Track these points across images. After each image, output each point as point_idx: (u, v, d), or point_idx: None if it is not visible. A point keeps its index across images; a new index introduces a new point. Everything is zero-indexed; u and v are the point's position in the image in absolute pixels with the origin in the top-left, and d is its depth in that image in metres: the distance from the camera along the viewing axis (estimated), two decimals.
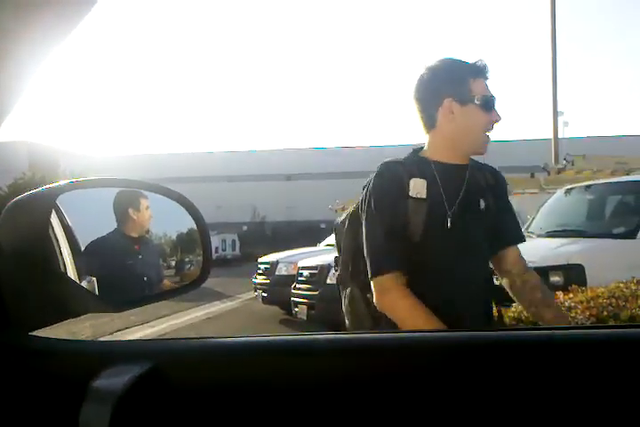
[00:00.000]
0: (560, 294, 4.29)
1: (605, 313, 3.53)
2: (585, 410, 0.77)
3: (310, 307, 7.74)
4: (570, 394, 0.78)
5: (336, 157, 36.91)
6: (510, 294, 2.10)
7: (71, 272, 1.06)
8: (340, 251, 2.13)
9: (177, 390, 0.83)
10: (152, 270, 1.31)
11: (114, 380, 0.78)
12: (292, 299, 8.23)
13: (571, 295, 4.18)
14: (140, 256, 1.27)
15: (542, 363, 0.79)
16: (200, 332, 9.08)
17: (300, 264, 8.60)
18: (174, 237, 1.36)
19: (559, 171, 11.06)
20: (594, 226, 6.69)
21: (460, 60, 1.92)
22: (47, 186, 1.03)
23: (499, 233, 1.99)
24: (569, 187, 7.55)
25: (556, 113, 16.87)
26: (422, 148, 1.99)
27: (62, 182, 1.06)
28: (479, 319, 1.95)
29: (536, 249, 6.19)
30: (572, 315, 3.57)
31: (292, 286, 8.32)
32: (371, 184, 1.90)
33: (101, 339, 7.90)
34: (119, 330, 8.38)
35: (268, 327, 9.15)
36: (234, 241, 30.66)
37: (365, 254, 1.86)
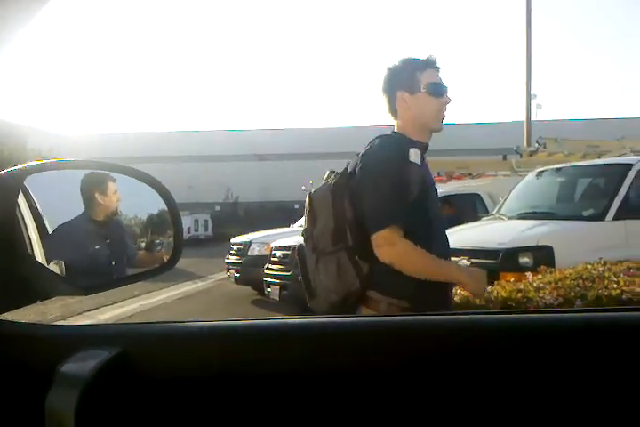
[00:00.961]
0: (529, 274, 4.36)
1: (573, 294, 3.59)
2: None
3: (283, 287, 7.79)
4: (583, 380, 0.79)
5: (309, 137, 36.79)
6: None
7: (39, 255, 1.05)
8: (312, 222, 2.24)
9: (144, 375, 0.82)
10: (120, 254, 1.29)
11: (81, 365, 0.77)
12: (265, 279, 8.26)
13: (539, 276, 4.25)
14: (107, 240, 1.25)
15: (552, 346, 0.79)
16: (171, 312, 9.05)
17: (273, 245, 8.61)
18: (144, 218, 1.35)
19: (531, 153, 11.13)
20: (564, 208, 6.78)
21: (412, 58, 2.23)
22: (14, 167, 1.01)
23: None
24: (540, 169, 7.62)
25: (529, 96, 16.99)
26: (395, 131, 2.27)
27: (30, 164, 1.03)
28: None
29: (507, 231, 6.27)
30: (541, 295, 3.63)
31: (265, 267, 8.33)
32: (371, 152, 2.16)
33: (70, 319, 7.85)
34: (90, 310, 8.31)
35: (239, 308, 9.17)
36: (206, 221, 30.51)
37: (368, 212, 2.07)
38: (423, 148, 2.20)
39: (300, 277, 2.36)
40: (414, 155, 2.09)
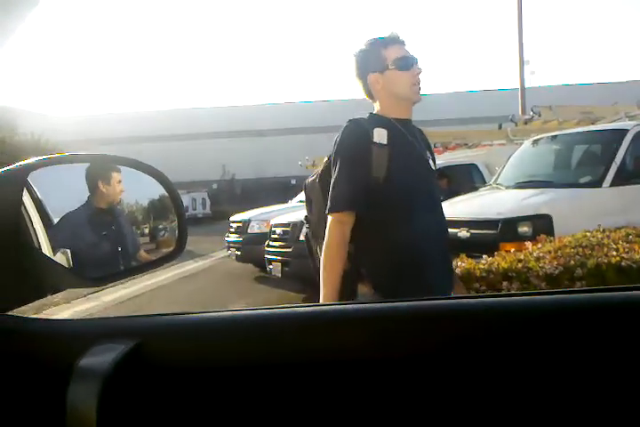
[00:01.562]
0: (529, 244, 4.38)
1: (573, 262, 3.61)
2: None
3: (284, 264, 7.80)
4: (554, 360, 0.80)
5: (306, 111, 36.52)
6: None
7: (45, 249, 1.06)
8: (310, 209, 2.36)
9: (163, 366, 0.83)
10: (127, 241, 1.31)
11: (99, 358, 0.79)
12: (266, 256, 8.27)
13: (539, 245, 4.27)
14: (112, 227, 1.26)
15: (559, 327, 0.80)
16: (175, 292, 9.11)
17: (273, 222, 8.62)
18: (146, 205, 1.36)
19: (526, 122, 11.07)
20: (561, 176, 6.77)
21: (374, 38, 2.24)
22: (18, 163, 1.01)
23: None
24: (536, 138, 7.60)
25: (522, 64, 16.84)
26: (371, 113, 2.29)
27: (33, 159, 1.04)
28: (442, 259, 2.26)
29: (504, 201, 6.28)
30: (541, 265, 3.66)
31: (266, 244, 8.34)
32: (339, 137, 2.18)
33: (75, 301, 7.90)
34: (94, 292, 8.36)
35: (243, 285, 9.22)
36: (204, 200, 30.49)
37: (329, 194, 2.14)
38: (404, 124, 2.23)
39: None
40: (378, 135, 2.13)
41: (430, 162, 2.28)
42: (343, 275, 2.15)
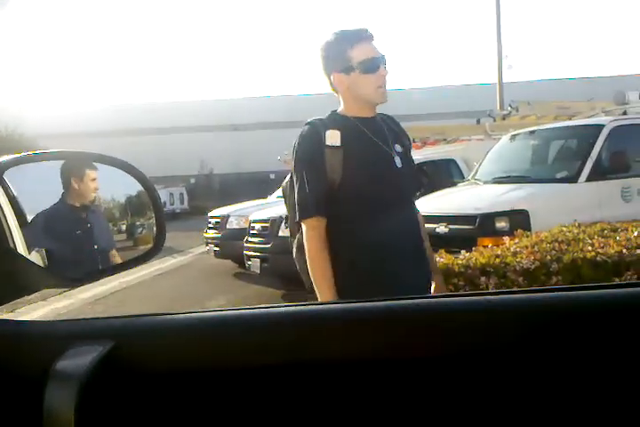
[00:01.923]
0: (506, 239, 4.42)
1: (549, 257, 3.65)
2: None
3: (263, 260, 7.73)
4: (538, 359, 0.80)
5: (284, 105, 36.39)
6: None
7: (21, 248, 1.04)
8: (287, 210, 2.37)
9: (141, 369, 0.82)
10: (103, 239, 1.29)
11: (76, 361, 0.77)
12: (245, 252, 8.21)
13: (516, 240, 4.31)
14: (88, 225, 1.25)
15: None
16: (153, 289, 9.04)
17: (252, 218, 8.57)
18: (123, 202, 1.35)
19: (504, 117, 11.16)
20: (538, 171, 6.84)
21: (339, 33, 2.17)
22: None
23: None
24: (514, 133, 7.66)
25: (500, 60, 16.96)
26: (336, 109, 2.26)
27: (8, 157, 1.02)
28: (412, 257, 2.20)
29: (482, 196, 6.33)
30: (518, 260, 3.69)
31: (245, 240, 8.30)
32: (296, 142, 2.18)
33: (51, 299, 7.81)
34: (70, 289, 8.27)
35: (222, 281, 9.18)
36: (182, 195, 30.32)
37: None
38: (366, 123, 2.19)
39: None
40: (331, 137, 2.11)
41: (397, 159, 2.19)
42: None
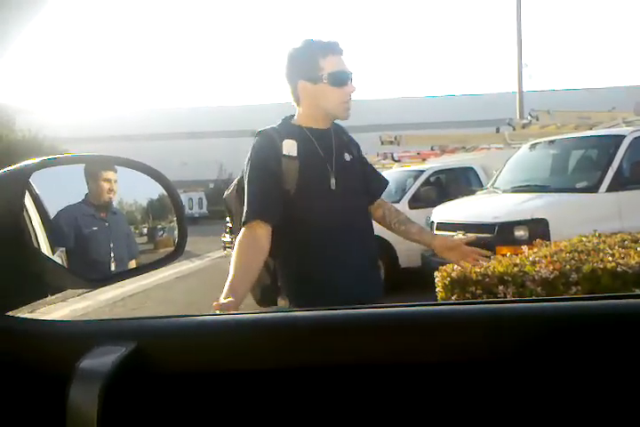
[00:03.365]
0: (525, 248, 4.39)
1: (568, 267, 3.62)
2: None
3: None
4: (547, 368, 0.80)
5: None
6: (385, 226, 2.42)
7: (45, 249, 1.06)
8: (232, 219, 2.35)
9: (163, 369, 0.84)
10: (120, 239, 1.30)
11: (100, 361, 0.79)
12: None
13: (535, 250, 4.28)
14: (106, 224, 1.26)
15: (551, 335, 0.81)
16: (171, 291, 9.10)
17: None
18: (145, 205, 1.37)
19: (524, 126, 11.11)
20: (557, 181, 6.80)
21: (311, 42, 2.10)
22: (20, 164, 1.01)
23: (369, 184, 2.31)
24: (533, 142, 7.62)
25: (520, 69, 16.88)
26: (293, 116, 2.22)
27: (35, 160, 1.04)
28: (365, 270, 2.17)
29: (501, 205, 6.30)
30: (537, 269, 3.66)
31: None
32: (251, 151, 2.13)
33: (71, 300, 7.89)
34: (90, 291, 8.35)
35: None
36: (200, 199, 30.47)
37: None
38: (320, 133, 2.15)
39: None
40: (287, 147, 2.07)
41: (332, 180, 2.11)
42: (264, 288, 2.18)
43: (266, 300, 2.26)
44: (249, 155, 2.12)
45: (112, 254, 1.28)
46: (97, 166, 1.23)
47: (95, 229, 1.24)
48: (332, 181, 2.11)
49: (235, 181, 2.31)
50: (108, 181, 1.22)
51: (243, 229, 2.01)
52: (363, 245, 2.17)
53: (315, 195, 2.08)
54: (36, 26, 0.76)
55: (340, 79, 2.08)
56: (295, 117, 2.21)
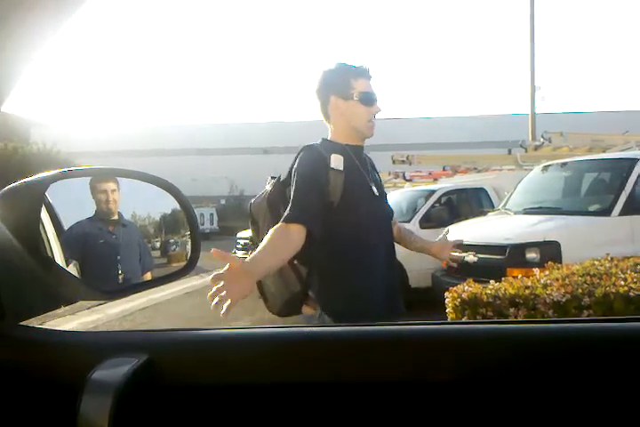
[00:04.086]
0: (536, 270, 4.36)
1: (580, 291, 3.58)
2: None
3: None
4: (553, 387, 0.80)
5: (314, 130, 36.64)
6: (399, 241, 2.60)
7: (59, 261, 1.07)
8: (255, 229, 2.44)
9: (174, 381, 0.84)
10: (130, 252, 1.30)
11: (112, 372, 0.79)
12: None
13: (547, 272, 4.25)
14: (114, 236, 1.26)
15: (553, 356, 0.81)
16: (180, 306, 9.09)
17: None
18: (158, 219, 1.37)
19: (536, 148, 11.10)
20: (570, 203, 6.77)
21: (346, 64, 2.29)
22: (37, 176, 1.02)
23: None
24: (546, 164, 7.60)
25: (533, 91, 16.92)
26: (327, 136, 2.35)
27: (49, 173, 1.05)
28: (395, 285, 2.34)
29: (513, 226, 6.27)
30: (548, 292, 3.63)
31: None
32: (296, 163, 2.22)
33: (79, 313, 7.89)
34: (99, 304, 8.36)
35: (246, 302, 9.15)
36: (211, 215, 30.53)
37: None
38: (356, 150, 2.30)
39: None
40: (335, 161, 2.19)
41: (374, 188, 2.30)
42: (292, 295, 2.25)
43: (289, 307, 2.32)
44: (296, 166, 2.22)
45: (119, 267, 1.28)
46: (99, 177, 1.23)
47: (102, 242, 1.25)
48: (374, 188, 2.29)
49: (266, 190, 2.36)
50: (105, 191, 1.21)
51: (280, 224, 2.07)
52: (392, 260, 2.33)
53: (358, 203, 2.21)
54: (53, 43, 0.77)
55: (370, 99, 2.27)
56: (330, 135, 2.34)
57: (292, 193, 2.16)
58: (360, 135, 2.32)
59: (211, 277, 1.71)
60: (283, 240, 2.01)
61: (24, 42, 0.74)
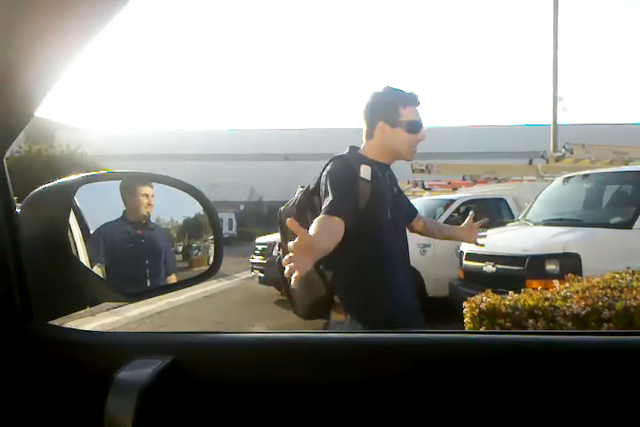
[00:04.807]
0: (556, 282, 4.33)
1: (600, 304, 3.55)
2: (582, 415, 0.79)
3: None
4: (569, 400, 0.80)
5: (335, 137, 36.72)
6: (428, 234, 2.81)
7: (85, 262, 1.09)
8: (284, 237, 2.51)
9: (198, 382, 0.85)
10: (157, 255, 1.32)
11: (138, 372, 0.81)
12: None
13: (567, 285, 4.21)
14: (142, 240, 1.28)
15: (546, 367, 0.81)
16: (197, 310, 9.13)
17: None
18: (181, 223, 1.38)
19: (557, 159, 11.03)
20: (591, 215, 6.70)
21: (397, 90, 2.39)
22: (67, 179, 1.04)
23: (408, 207, 2.66)
24: (567, 175, 7.54)
25: (555, 102, 16.80)
26: (358, 147, 2.45)
27: (77, 177, 1.07)
28: (414, 299, 2.42)
29: (533, 237, 6.22)
30: (568, 304, 3.61)
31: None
32: (327, 170, 2.31)
33: (99, 315, 7.96)
34: (118, 306, 8.42)
35: (263, 308, 9.21)
36: (230, 220, 30.67)
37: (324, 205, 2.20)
38: (381, 167, 2.37)
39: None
40: (364, 171, 2.27)
41: (388, 210, 2.33)
42: (317, 299, 2.32)
43: (315, 311, 2.42)
44: (327, 173, 2.29)
45: (147, 271, 1.30)
46: (136, 182, 1.25)
47: (131, 245, 1.27)
48: (388, 210, 2.34)
49: (296, 197, 2.45)
50: (146, 195, 1.23)
51: (322, 216, 2.11)
52: (409, 268, 2.45)
53: (379, 212, 2.29)
54: (87, 51, 0.79)
55: (416, 127, 2.36)
56: (362, 149, 2.43)
57: (328, 194, 2.22)
58: (397, 157, 2.42)
59: (290, 244, 1.71)
60: (327, 229, 2.05)
61: (61, 50, 0.76)
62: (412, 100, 2.37)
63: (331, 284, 2.29)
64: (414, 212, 2.71)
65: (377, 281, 2.27)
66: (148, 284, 1.28)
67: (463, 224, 2.75)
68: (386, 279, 2.28)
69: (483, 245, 2.82)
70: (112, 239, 1.20)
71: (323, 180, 2.30)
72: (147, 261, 1.30)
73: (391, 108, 2.35)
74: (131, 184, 1.23)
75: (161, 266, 1.33)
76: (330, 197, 2.20)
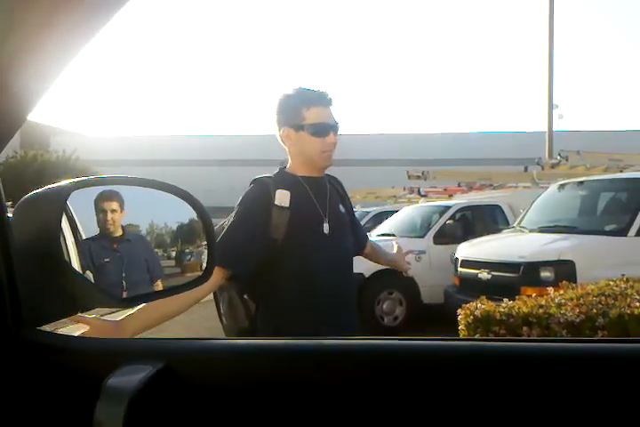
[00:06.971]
0: (550, 290, 4.33)
1: (595, 311, 3.56)
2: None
3: None
4: (563, 408, 0.80)
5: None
6: (373, 259, 2.64)
7: (77, 268, 1.08)
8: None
9: (189, 389, 0.85)
10: (135, 267, 1.29)
11: (127, 379, 0.80)
12: None
13: (561, 292, 4.22)
14: (118, 254, 1.25)
15: (540, 375, 0.81)
16: (192, 316, 9.05)
17: None
18: (174, 228, 1.37)
19: (553, 166, 11.07)
20: (586, 222, 6.73)
21: (300, 92, 2.16)
22: (59, 183, 1.03)
23: (356, 234, 2.38)
24: (562, 182, 7.57)
25: (551, 109, 16.89)
26: (286, 166, 2.27)
27: (73, 180, 1.06)
28: (347, 316, 2.19)
29: (527, 244, 6.24)
30: (562, 311, 3.61)
31: None
32: (242, 196, 2.16)
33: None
34: (111, 312, 8.39)
35: None
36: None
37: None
38: (311, 182, 2.18)
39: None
40: (280, 198, 2.09)
41: (325, 225, 2.15)
42: (241, 331, 2.15)
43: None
44: (240, 200, 2.16)
45: (124, 283, 1.28)
46: (102, 197, 1.21)
47: (107, 260, 1.24)
48: (326, 226, 2.14)
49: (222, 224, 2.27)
50: (104, 211, 1.20)
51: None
52: (347, 292, 2.23)
53: (306, 241, 2.09)
54: (82, 55, 0.79)
55: (321, 130, 2.12)
56: (288, 166, 2.25)
57: (225, 227, 2.10)
58: (316, 166, 2.19)
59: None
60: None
61: (55, 54, 0.75)
62: (317, 100, 2.13)
63: (254, 317, 2.14)
64: (364, 237, 2.49)
65: (303, 315, 2.06)
66: (124, 296, 1.26)
67: (393, 253, 2.63)
68: (314, 314, 2.06)
69: (411, 277, 2.75)
70: (91, 255, 1.18)
71: (236, 207, 2.15)
72: (124, 275, 1.28)
73: (293, 111, 2.13)
74: (98, 200, 1.20)
75: (140, 276, 1.30)
76: (219, 239, 1.98)
